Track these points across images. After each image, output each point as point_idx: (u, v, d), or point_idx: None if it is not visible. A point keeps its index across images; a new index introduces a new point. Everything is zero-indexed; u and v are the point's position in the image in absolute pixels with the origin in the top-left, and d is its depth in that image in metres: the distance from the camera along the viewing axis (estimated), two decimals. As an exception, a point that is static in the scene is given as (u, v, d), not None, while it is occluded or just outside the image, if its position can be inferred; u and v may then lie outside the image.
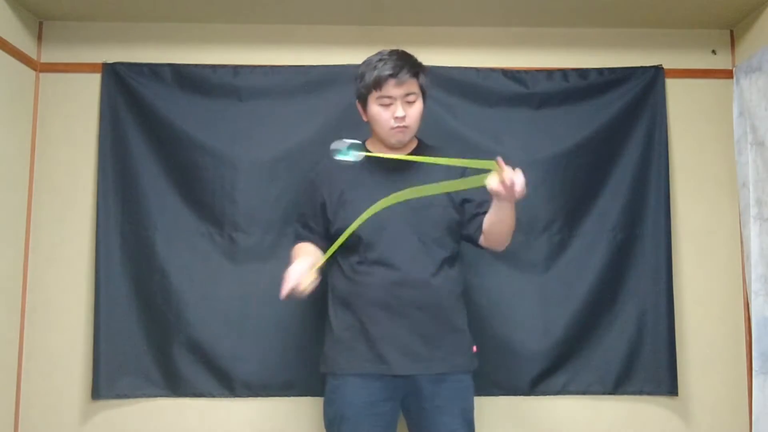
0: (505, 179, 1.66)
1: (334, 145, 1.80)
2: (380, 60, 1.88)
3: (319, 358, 1.99)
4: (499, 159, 1.68)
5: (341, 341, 1.91)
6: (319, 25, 2.51)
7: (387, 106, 1.88)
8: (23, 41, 2.40)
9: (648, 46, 2.54)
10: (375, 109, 1.90)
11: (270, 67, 2.47)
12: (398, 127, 1.89)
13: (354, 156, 1.79)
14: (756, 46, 2.39)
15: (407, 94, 1.88)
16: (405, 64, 1.88)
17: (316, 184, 2.02)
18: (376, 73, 1.86)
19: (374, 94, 1.89)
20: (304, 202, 2.07)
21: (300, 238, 2.03)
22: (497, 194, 1.71)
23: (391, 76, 1.85)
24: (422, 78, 1.92)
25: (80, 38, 2.50)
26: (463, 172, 1.88)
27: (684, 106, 2.52)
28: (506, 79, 2.48)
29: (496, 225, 1.88)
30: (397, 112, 1.87)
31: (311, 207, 2.01)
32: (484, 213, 1.91)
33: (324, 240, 1.97)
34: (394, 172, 1.92)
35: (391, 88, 1.86)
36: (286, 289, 1.77)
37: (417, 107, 1.91)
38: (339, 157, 1.80)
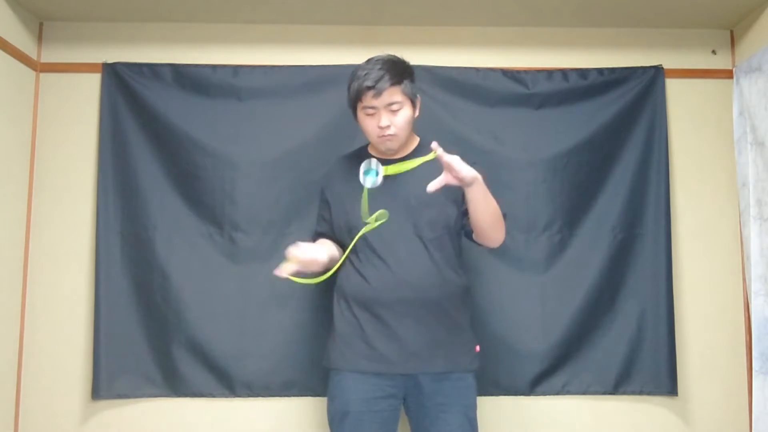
0: (444, 159, 1.74)
1: (364, 166, 1.83)
2: (363, 70, 1.89)
3: (322, 354, 2.00)
4: (434, 145, 1.76)
5: (342, 338, 1.93)
6: (319, 25, 2.51)
7: (371, 115, 1.90)
8: (23, 41, 2.40)
9: (648, 46, 2.54)
10: (361, 118, 1.93)
11: (270, 67, 2.47)
12: (384, 135, 1.90)
13: (374, 177, 1.82)
14: (756, 46, 2.39)
15: (390, 104, 1.87)
16: (386, 73, 1.86)
17: (322, 186, 2.10)
18: (356, 84, 1.88)
19: (359, 105, 1.91)
20: (319, 205, 2.13)
21: (318, 236, 2.09)
22: (447, 167, 1.76)
23: (369, 88, 1.85)
24: (407, 85, 1.90)
25: (80, 38, 2.50)
26: None
27: (684, 106, 2.52)
28: (506, 79, 2.48)
29: (475, 214, 1.89)
30: (380, 122, 1.88)
31: (324, 207, 2.08)
32: None
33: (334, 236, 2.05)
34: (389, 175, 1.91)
35: (371, 99, 1.87)
36: (291, 253, 1.79)
37: (402, 115, 1.90)
38: (368, 182, 1.82)
